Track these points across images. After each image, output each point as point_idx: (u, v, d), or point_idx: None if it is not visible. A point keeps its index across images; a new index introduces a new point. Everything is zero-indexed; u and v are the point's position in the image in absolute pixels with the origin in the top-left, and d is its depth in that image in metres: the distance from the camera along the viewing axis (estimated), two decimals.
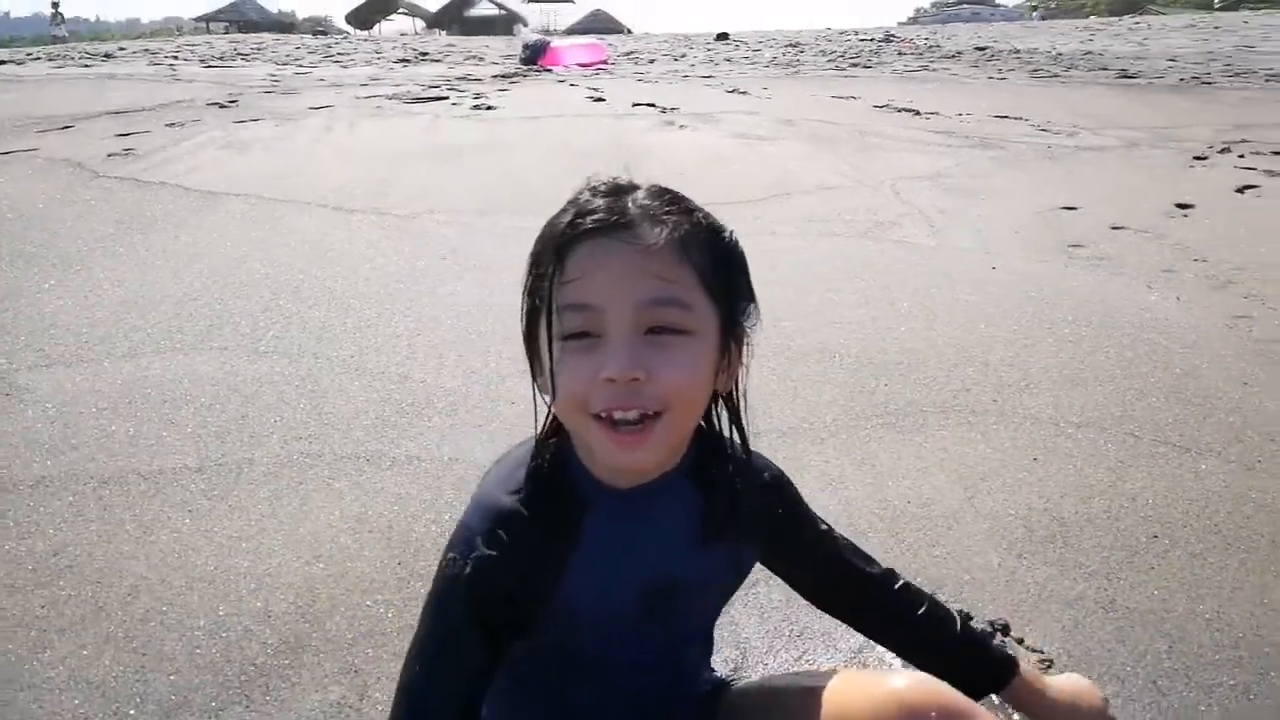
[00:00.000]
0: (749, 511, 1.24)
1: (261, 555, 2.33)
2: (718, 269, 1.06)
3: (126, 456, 2.81)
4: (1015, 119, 10.10)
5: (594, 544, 1.16)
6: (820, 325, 3.94)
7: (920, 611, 1.41)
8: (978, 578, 2.25)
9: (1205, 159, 7.73)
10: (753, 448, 1.24)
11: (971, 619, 2.02)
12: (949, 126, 9.50)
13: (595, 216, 1.01)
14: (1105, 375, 3.47)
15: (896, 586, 1.42)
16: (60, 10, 36.69)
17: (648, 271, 1.00)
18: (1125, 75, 15.40)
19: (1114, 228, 5.57)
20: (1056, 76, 15.46)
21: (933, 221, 5.67)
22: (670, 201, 1.06)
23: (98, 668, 1.94)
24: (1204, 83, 13.98)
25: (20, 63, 17.34)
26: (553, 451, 1.17)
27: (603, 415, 1.02)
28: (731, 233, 1.12)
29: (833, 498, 2.60)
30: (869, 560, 1.44)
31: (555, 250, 1.02)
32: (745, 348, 1.13)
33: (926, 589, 1.49)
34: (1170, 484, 2.70)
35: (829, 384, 3.38)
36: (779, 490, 1.36)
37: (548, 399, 1.13)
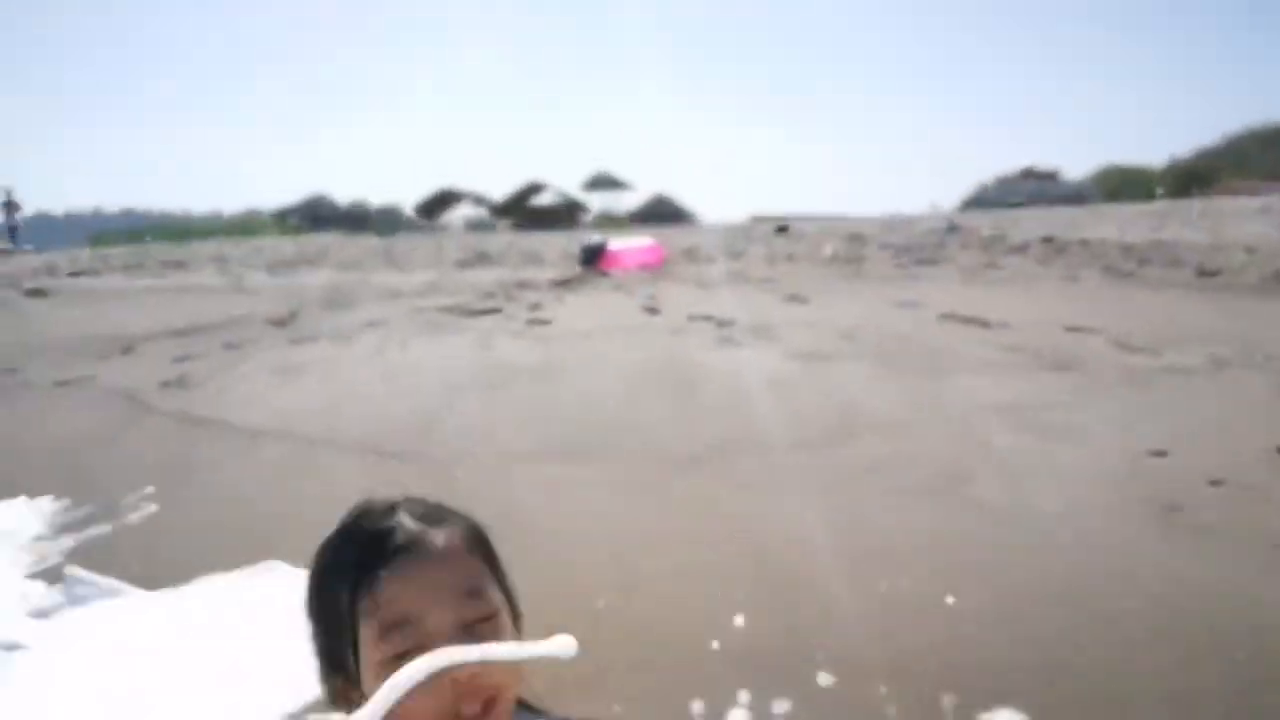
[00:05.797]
0: None
1: None
2: (492, 558, 1.11)
3: None
4: (1090, 330, 9.72)
5: None
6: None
7: None
8: None
9: None
10: None
11: None
12: (1020, 342, 9.15)
13: (391, 541, 1.02)
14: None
15: None
16: (13, 199, 21.69)
17: (455, 572, 1.02)
18: (1204, 273, 15.02)
19: (1212, 483, 5.02)
20: (1131, 275, 15.15)
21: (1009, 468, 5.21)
22: (434, 509, 1.09)
23: None
24: None
25: (98, 273, 18.39)
26: None
27: None
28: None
29: None
30: None
31: (360, 582, 1.00)
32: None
33: None
34: None
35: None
36: None
37: None
